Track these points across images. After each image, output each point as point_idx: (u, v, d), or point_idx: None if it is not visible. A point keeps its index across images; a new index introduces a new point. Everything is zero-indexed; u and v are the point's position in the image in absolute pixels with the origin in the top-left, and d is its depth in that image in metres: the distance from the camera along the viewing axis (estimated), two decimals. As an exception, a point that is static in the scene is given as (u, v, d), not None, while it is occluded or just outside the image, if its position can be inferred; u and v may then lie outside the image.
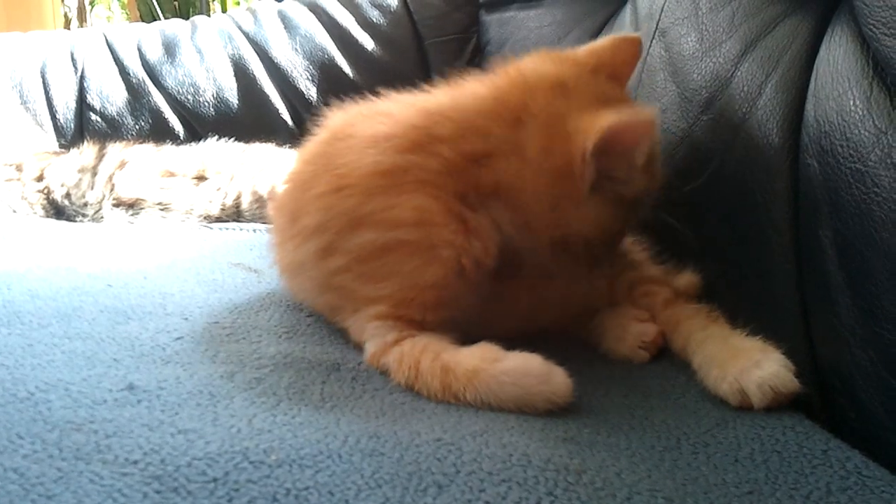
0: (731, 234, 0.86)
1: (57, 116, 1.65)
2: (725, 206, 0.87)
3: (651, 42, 1.09)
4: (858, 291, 0.69)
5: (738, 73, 0.88)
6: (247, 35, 1.76)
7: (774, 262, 0.80)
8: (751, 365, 0.74)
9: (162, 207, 1.44)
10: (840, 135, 0.72)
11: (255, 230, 1.38)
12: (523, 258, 0.84)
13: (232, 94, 1.68)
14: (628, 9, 1.25)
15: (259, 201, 1.46)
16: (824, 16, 0.82)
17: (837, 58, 0.76)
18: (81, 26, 4.64)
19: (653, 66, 1.07)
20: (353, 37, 1.76)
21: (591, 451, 0.65)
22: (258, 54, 1.73)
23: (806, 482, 0.61)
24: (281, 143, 1.56)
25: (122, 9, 5.25)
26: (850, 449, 0.66)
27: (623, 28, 1.23)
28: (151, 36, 1.78)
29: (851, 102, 0.72)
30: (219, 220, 1.45)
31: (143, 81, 1.68)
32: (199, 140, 1.59)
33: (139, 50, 1.74)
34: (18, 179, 1.46)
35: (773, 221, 0.80)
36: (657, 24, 1.08)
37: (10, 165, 1.48)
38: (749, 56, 0.88)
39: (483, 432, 0.67)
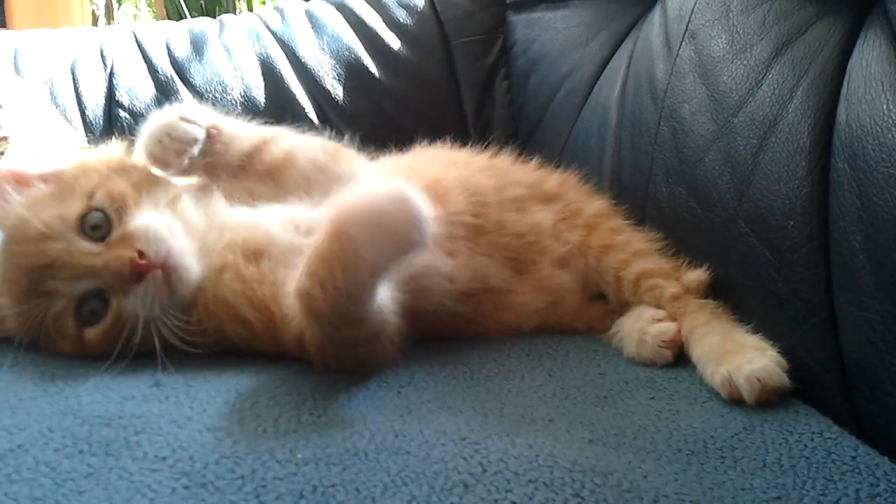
0: (761, 238, 0.85)
1: (86, 112, 1.66)
2: (755, 210, 0.86)
3: (680, 44, 1.08)
4: (890, 297, 0.69)
5: (770, 76, 0.88)
6: (274, 34, 1.77)
7: (804, 266, 0.80)
8: (744, 361, 0.77)
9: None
10: (873, 139, 0.71)
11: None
12: None
13: (259, 93, 1.68)
14: (657, 10, 1.24)
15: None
16: (857, 19, 0.81)
17: (871, 61, 0.75)
18: (109, 24, 4.68)
19: (682, 69, 1.06)
20: (379, 36, 1.76)
21: (617, 453, 0.65)
22: (285, 53, 1.73)
23: (834, 489, 0.60)
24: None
25: (149, 7, 5.28)
26: (879, 455, 0.66)
27: (652, 29, 1.22)
28: (180, 34, 1.79)
29: (885, 106, 0.71)
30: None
31: (172, 79, 1.69)
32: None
33: (168, 48, 1.75)
34: (47, 175, 1.47)
35: (803, 225, 0.80)
36: (687, 26, 1.08)
37: (39, 160, 1.49)
38: (780, 59, 0.87)
39: (509, 432, 0.67)
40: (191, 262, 0.83)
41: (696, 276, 0.96)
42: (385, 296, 0.76)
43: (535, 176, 1.12)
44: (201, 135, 0.89)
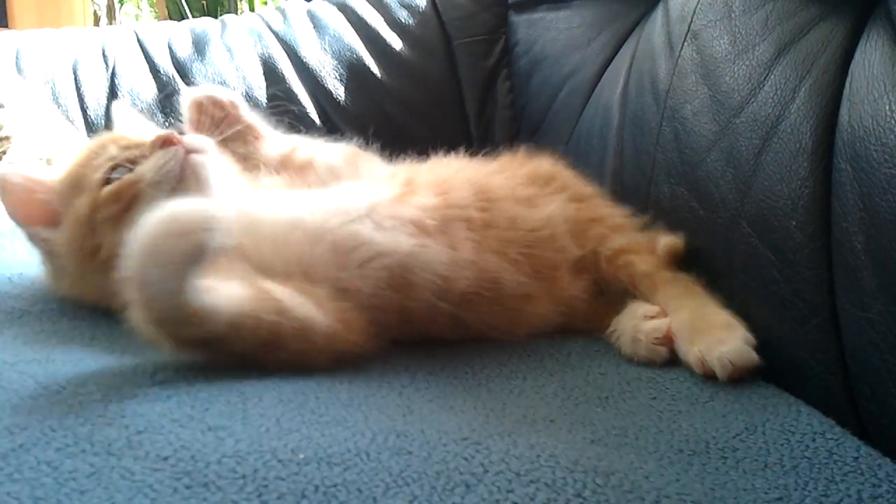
0: (763, 238, 0.85)
1: (88, 112, 1.66)
2: (757, 210, 0.86)
3: (682, 45, 1.08)
4: (892, 298, 0.69)
5: (772, 77, 0.88)
6: (276, 34, 1.77)
7: (806, 266, 0.80)
8: (715, 342, 0.82)
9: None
10: (875, 140, 0.71)
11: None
12: None
13: (261, 93, 1.68)
14: (659, 11, 1.24)
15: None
16: (860, 20, 0.81)
17: (873, 62, 0.75)
18: (110, 24, 4.69)
19: (684, 69, 1.06)
20: (381, 37, 1.77)
21: (618, 454, 0.65)
22: (287, 53, 1.73)
23: (836, 489, 0.60)
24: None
25: (151, 7, 5.29)
26: (881, 456, 0.66)
27: (654, 30, 1.22)
28: (182, 34, 1.79)
29: (887, 107, 0.71)
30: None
31: (174, 79, 1.69)
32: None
33: (170, 47, 1.75)
34: (49, 174, 1.48)
35: (805, 226, 0.80)
36: (689, 27, 1.08)
37: (41, 160, 1.49)
38: (783, 59, 0.87)
39: (510, 432, 0.67)
40: (214, 183, 0.90)
41: (668, 241, 0.99)
42: (275, 296, 0.78)
43: (530, 165, 1.13)
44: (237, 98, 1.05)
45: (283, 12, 1.84)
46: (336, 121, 1.69)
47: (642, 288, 0.96)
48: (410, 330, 0.87)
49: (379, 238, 0.86)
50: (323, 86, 1.71)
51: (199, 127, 1.01)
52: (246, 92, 1.68)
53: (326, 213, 0.88)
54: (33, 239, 0.95)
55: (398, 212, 0.89)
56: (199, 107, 1.02)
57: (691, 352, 0.83)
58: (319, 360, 0.79)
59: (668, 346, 0.88)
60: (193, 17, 3.54)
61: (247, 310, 0.75)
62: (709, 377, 0.81)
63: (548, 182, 1.08)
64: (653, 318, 0.91)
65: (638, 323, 0.91)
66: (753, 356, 0.80)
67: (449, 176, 1.01)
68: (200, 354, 0.76)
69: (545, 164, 1.14)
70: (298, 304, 0.79)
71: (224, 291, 0.75)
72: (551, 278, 0.97)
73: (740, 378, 0.79)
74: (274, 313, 0.76)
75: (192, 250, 0.69)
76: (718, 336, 0.83)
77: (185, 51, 1.74)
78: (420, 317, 0.87)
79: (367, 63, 1.74)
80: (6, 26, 3.83)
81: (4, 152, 1.46)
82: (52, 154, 1.49)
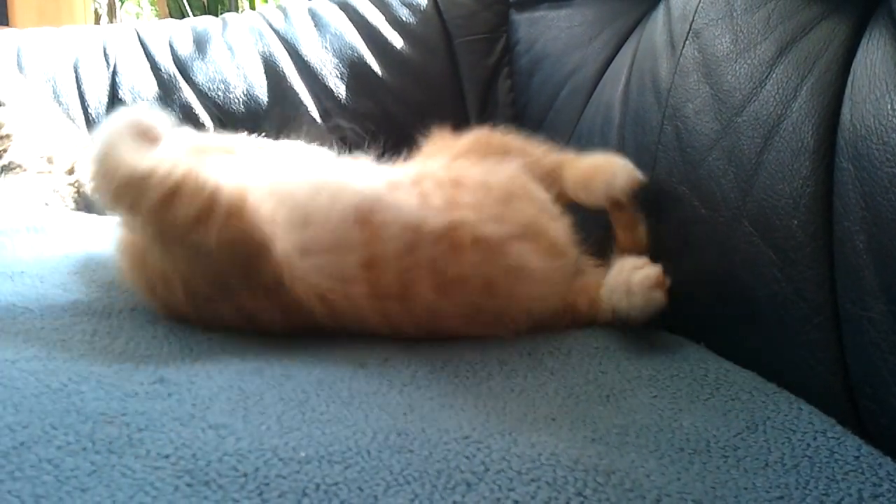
0: (764, 237, 0.85)
1: (89, 110, 1.66)
2: (758, 209, 0.86)
3: (684, 43, 1.08)
4: (893, 297, 0.69)
5: (774, 75, 0.88)
6: (277, 32, 1.77)
7: (808, 266, 0.80)
8: (608, 179, 1.00)
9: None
10: (877, 139, 0.71)
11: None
12: None
13: (262, 91, 1.69)
14: (661, 9, 1.24)
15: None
16: (862, 19, 0.81)
17: (875, 61, 0.75)
18: (111, 22, 4.68)
19: (686, 68, 1.06)
20: (382, 35, 1.77)
21: (619, 452, 0.65)
22: (288, 52, 1.74)
23: (837, 488, 0.61)
24: (309, 140, 1.57)
25: (152, 5, 5.29)
26: (882, 455, 0.66)
27: (656, 29, 1.22)
28: (182, 32, 1.79)
29: (889, 106, 0.71)
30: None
31: (174, 77, 1.69)
32: (229, 136, 1.60)
33: (171, 46, 1.75)
34: (50, 172, 1.48)
35: (807, 225, 0.80)
36: (690, 25, 1.08)
37: (42, 157, 1.49)
38: (784, 58, 0.87)
39: (511, 431, 0.67)
40: None
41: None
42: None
43: (462, 142, 1.11)
44: None
45: (284, 11, 1.84)
46: (337, 120, 1.69)
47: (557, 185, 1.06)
48: (385, 292, 0.88)
49: (354, 180, 0.92)
50: (324, 84, 1.71)
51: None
52: (247, 90, 1.68)
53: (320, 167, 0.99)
54: None
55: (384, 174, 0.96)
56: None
57: (593, 198, 1.02)
58: (220, 239, 0.83)
59: (662, 290, 0.90)
60: (194, 15, 3.54)
61: (165, 161, 0.84)
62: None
63: (483, 146, 1.08)
64: (641, 268, 0.92)
65: (628, 276, 0.92)
66: (638, 175, 1.00)
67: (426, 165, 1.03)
68: (150, 228, 0.87)
69: (469, 135, 1.12)
70: (212, 173, 0.85)
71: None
72: (537, 232, 0.97)
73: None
74: (182, 167, 0.83)
75: (133, 123, 0.87)
76: (607, 171, 1.01)
77: (186, 49, 1.74)
78: (391, 267, 0.88)
79: (367, 61, 1.74)
80: (7, 24, 3.83)
81: (5, 150, 1.46)
82: (52, 152, 1.50)
